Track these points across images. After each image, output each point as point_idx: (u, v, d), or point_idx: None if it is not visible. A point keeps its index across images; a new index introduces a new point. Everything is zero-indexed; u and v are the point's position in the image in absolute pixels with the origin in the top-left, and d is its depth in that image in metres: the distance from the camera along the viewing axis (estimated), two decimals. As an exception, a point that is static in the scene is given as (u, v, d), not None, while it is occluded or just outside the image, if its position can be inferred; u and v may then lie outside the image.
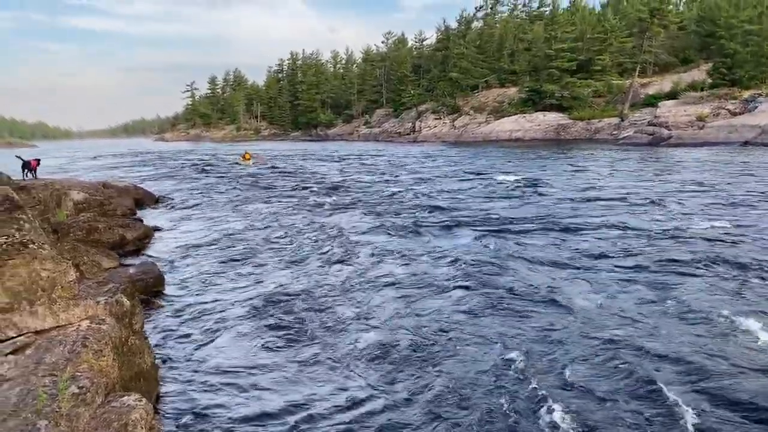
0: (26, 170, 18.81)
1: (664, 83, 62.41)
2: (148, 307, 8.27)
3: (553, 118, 65.34)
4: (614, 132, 56.73)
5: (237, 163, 41.17)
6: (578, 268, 9.81)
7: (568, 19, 77.83)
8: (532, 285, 8.90)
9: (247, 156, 41.82)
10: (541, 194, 19.09)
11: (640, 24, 64.72)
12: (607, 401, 5.35)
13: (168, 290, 9.27)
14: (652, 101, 58.05)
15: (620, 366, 6.00)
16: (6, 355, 4.38)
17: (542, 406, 5.30)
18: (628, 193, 18.28)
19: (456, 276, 9.66)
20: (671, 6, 73.56)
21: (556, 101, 67.24)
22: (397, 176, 28.00)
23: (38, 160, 19.63)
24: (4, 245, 5.10)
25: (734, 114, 47.30)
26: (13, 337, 4.57)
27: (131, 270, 8.96)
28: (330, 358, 6.56)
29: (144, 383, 5.41)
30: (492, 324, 7.42)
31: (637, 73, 63.83)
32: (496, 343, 6.79)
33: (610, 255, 10.61)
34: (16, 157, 19.61)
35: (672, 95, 56.64)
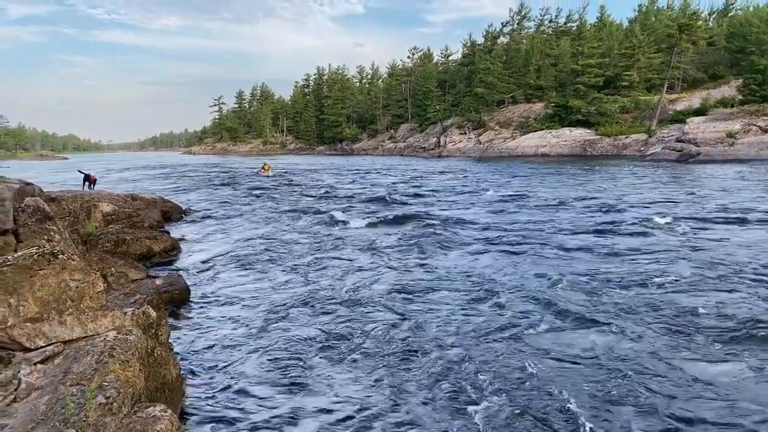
0: (86, 183, 21.15)
1: (693, 99, 61.73)
2: (174, 319, 8.34)
3: (580, 133, 64.94)
4: (641, 148, 56.17)
5: (257, 174, 44.54)
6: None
7: (595, 34, 77.59)
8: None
9: (266, 167, 45.42)
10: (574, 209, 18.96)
11: (669, 40, 64.18)
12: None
13: (193, 302, 9.33)
14: (680, 117, 57.35)
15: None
16: (35, 364, 4.45)
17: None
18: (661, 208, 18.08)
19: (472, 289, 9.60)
20: (700, 22, 72.97)
21: (582, 117, 66.83)
22: (423, 190, 27.99)
23: (96, 179, 22.17)
24: (35, 255, 5.20)
25: (765, 131, 46.52)
26: (42, 347, 4.64)
27: (158, 281, 9.05)
28: (359, 369, 6.54)
29: (169, 394, 5.45)
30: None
31: (665, 89, 63.17)
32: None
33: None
34: (79, 171, 23.47)
35: (701, 111, 55.92)
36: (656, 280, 9.81)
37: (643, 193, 23.12)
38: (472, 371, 6.42)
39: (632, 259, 11.58)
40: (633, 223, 15.73)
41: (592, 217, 17.41)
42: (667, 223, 15.56)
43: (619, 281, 9.87)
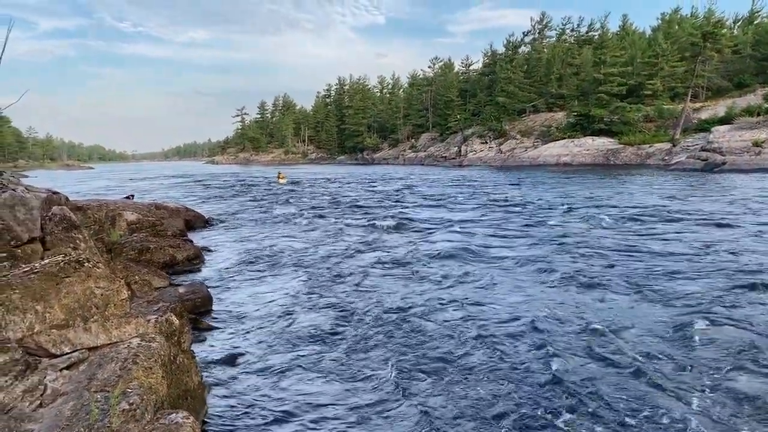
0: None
1: (718, 108, 60.88)
2: (196, 327, 8.39)
3: (602, 143, 64.36)
4: (665, 157, 55.49)
5: (273, 183, 47.45)
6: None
7: (617, 43, 77.08)
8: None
9: (281, 176, 49.62)
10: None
11: (693, 48, 63.50)
12: None
13: (216, 310, 9.39)
14: (705, 126, 56.55)
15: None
16: (61, 370, 4.51)
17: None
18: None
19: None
20: (725, 29, 72.16)
21: (605, 126, 66.24)
22: (446, 199, 27.96)
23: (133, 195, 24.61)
24: (62, 263, 5.28)
25: (793, 140, 45.81)
26: (67, 353, 4.70)
27: (180, 289, 9.13)
28: (386, 384, 6.48)
29: (191, 401, 5.48)
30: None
31: (689, 98, 62.41)
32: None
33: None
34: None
35: (726, 120, 55.14)
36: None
37: (690, 204, 22.85)
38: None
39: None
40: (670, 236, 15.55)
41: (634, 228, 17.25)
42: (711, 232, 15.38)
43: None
